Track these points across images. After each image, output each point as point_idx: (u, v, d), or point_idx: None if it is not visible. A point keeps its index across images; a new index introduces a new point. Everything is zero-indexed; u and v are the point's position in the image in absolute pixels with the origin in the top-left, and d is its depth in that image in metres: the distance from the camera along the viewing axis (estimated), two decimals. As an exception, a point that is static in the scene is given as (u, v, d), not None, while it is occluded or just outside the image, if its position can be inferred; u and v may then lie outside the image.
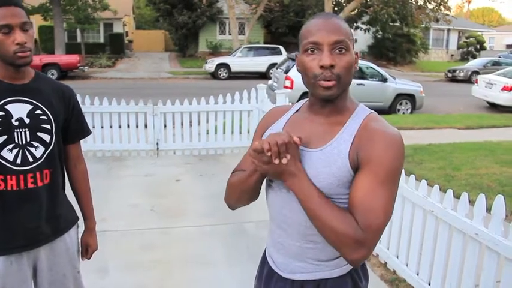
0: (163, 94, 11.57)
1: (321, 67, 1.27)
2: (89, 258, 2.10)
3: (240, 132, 6.94)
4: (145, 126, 6.63)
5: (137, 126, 6.62)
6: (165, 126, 6.68)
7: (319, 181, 1.30)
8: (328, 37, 1.28)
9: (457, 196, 2.87)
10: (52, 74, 18.32)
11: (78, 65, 19.13)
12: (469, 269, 2.65)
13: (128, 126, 6.58)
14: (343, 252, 1.25)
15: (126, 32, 33.84)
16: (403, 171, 3.41)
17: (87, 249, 2.08)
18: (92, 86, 15.99)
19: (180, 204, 4.87)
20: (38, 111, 1.76)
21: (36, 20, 25.85)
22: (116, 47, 28.88)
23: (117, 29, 30.41)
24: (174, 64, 26.45)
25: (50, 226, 1.84)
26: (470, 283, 2.65)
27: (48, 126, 1.78)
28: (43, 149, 1.77)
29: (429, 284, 3.05)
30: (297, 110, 1.50)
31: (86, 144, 6.31)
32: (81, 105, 6.80)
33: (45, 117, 1.77)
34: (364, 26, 28.92)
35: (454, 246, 2.77)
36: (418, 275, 3.17)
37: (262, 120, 1.58)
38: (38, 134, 1.76)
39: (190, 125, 6.74)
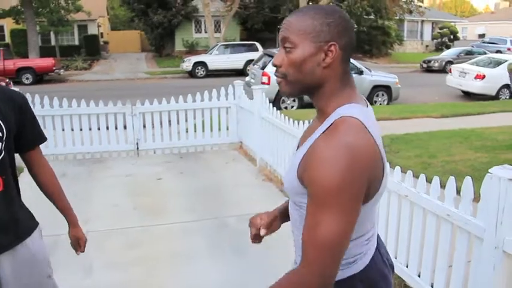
0: (141, 94, 11.51)
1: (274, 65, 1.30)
2: (83, 251, 2.10)
3: (219, 129, 6.98)
4: (125, 127, 6.62)
5: (116, 128, 6.61)
6: (144, 126, 6.68)
7: (284, 184, 1.33)
8: (280, 35, 1.28)
9: (430, 181, 2.98)
10: (27, 79, 18.08)
11: (54, 68, 18.90)
12: (442, 250, 2.76)
13: (107, 127, 6.57)
14: None
15: (101, 34, 33.46)
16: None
17: (78, 243, 2.07)
18: (69, 89, 15.82)
19: (162, 202, 4.90)
20: None
21: (8, 24, 25.47)
22: (92, 48, 28.59)
23: (92, 30, 30.10)
24: (151, 64, 26.30)
25: (8, 233, 1.77)
26: (444, 263, 2.76)
27: None
28: None
29: (407, 267, 3.15)
30: None
31: (65, 147, 6.30)
32: (58, 107, 6.70)
33: None
34: (339, 20, 29.11)
35: (428, 229, 2.88)
36: (396, 258, 3.27)
37: None
38: None
39: (170, 124, 6.76)
